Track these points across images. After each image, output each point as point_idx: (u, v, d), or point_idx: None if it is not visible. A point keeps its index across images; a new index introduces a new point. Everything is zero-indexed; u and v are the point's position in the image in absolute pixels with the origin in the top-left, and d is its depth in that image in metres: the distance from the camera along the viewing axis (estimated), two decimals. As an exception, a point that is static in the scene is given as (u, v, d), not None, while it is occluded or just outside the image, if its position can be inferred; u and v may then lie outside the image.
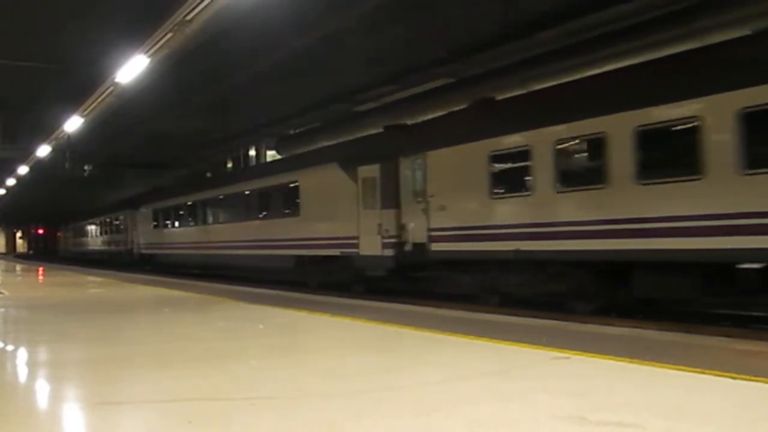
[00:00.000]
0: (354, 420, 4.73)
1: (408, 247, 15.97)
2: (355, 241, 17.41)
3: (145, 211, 36.30)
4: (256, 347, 8.42)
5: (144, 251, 36.50)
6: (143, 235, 36.61)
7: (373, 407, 5.06)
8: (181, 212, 31.60)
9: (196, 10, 13.34)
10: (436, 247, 15.07)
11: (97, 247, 48.79)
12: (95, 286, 22.28)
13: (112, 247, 43.29)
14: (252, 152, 35.39)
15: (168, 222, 33.57)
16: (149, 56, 16.21)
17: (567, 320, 10.78)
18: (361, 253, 17.17)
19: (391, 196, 16.43)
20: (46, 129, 27.76)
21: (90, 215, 51.90)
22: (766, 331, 9.98)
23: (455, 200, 14.67)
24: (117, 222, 42.43)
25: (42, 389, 6.44)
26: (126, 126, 27.10)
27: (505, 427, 4.49)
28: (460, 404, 5.08)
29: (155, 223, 34.88)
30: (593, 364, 6.48)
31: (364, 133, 22.11)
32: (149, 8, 14.05)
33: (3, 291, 19.29)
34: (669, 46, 13.15)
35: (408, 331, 9.14)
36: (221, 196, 26.76)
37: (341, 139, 23.55)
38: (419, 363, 6.96)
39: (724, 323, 10.71)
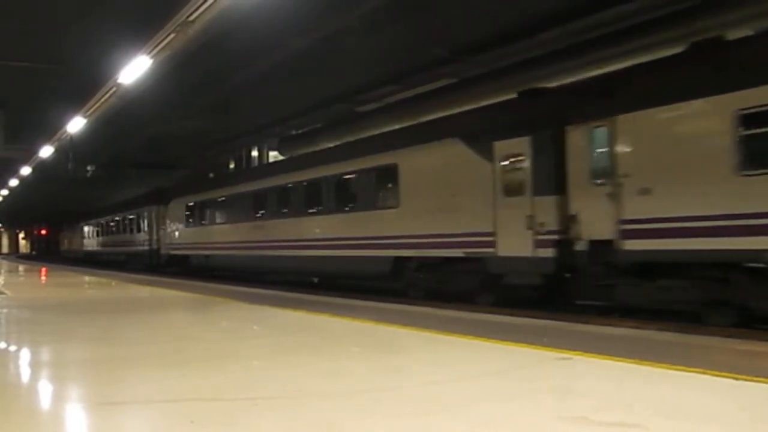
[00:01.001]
0: (354, 420, 4.73)
1: (581, 246, 12.04)
2: (489, 239, 13.57)
3: (177, 205, 31.26)
4: (257, 347, 8.42)
5: (174, 252, 31.51)
6: (174, 233, 31.55)
7: (374, 407, 5.06)
8: (230, 206, 26.22)
9: (199, 11, 13.35)
10: (632, 245, 11.17)
11: (113, 248, 44.41)
12: (97, 286, 22.30)
13: (132, 248, 38.61)
14: (254, 153, 35.42)
15: (210, 218, 28.25)
16: (152, 57, 16.23)
17: (569, 320, 10.77)
18: (500, 253, 13.34)
19: (548, 179, 12.64)
20: (48, 129, 27.80)
21: (102, 213, 48.26)
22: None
23: (671, 180, 10.66)
24: (138, 219, 37.78)
25: (44, 389, 6.45)
26: (128, 126, 27.15)
27: (506, 428, 4.49)
28: (461, 405, 5.08)
29: (191, 220, 29.83)
30: (595, 365, 6.48)
31: (367, 133, 22.05)
32: (152, 9, 14.07)
33: (5, 291, 19.31)
34: (672, 46, 13.16)
35: (408, 331, 9.14)
36: (288, 185, 21.87)
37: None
38: (419, 363, 6.96)
39: (724, 323, 10.67)
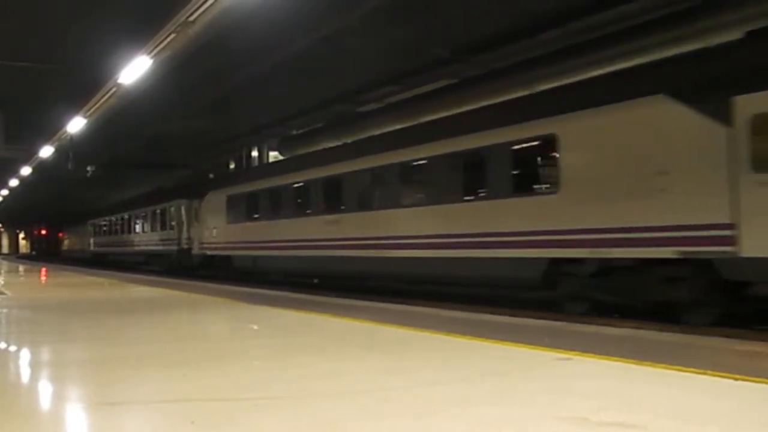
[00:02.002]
0: (356, 420, 4.73)
1: None
2: (725, 233, 9.95)
3: (216, 198, 26.62)
4: (258, 348, 8.42)
5: (212, 252, 26.99)
6: (211, 230, 26.80)
7: (375, 408, 5.06)
8: (291, 197, 21.52)
9: (199, 11, 13.38)
10: None
11: (129, 248, 39.93)
12: (97, 286, 22.30)
13: (154, 247, 34.61)
14: (254, 153, 35.42)
15: (261, 212, 23.22)
16: (152, 57, 16.25)
17: (568, 321, 10.77)
18: (744, 253, 9.68)
19: None
20: (48, 129, 27.85)
21: (116, 209, 44.18)
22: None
23: None
24: (163, 215, 33.48)
25: (44, 389, 6.45)
26: (128, 127, 27.18)
27: (506, 429, 4.49)
28: (462, 405, 5.07)
29: (235, 214, 25.12)
30: (595, 365, 6.48)
31: (369, 133, 21.92)
32: (152, 9, 14.08)
33: (6, 292, 19.32)
34: (672, 47, 13.18)
35: (409, 331, 9.14)
36: (380, 167, 17.14)
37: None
38: (421, 364, 6.96)
39: (725, 324, 10.68)
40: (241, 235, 24.61)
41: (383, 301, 14.56)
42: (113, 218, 44.86)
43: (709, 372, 5.83)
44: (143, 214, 37.49)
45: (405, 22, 16.12)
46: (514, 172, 13.54)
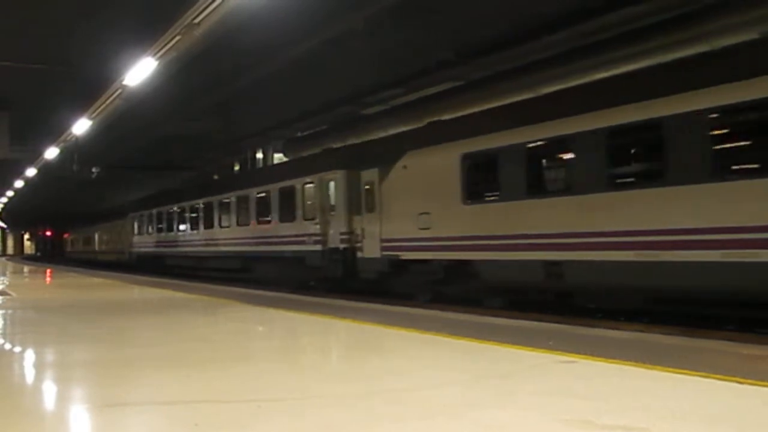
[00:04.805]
0: (359, 423, 4.73)
1: None
2: None
3: (428, 162, 15.81)
4: (261, 349, 8.44)
5: (411, 255, 16.25)
6: (414, 218, 15.92)
7: (378, 410, 5.07)
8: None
9: (204, 13, 13.40)
10: None
11: (220, 248, 27.43)
12: (101, 287, 22.34)
13: (278, 247, 22.40)
14: (259, 155, 35.44)
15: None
16: (157, 59, 16.29)
17: (573, 324, 10.76)
18: None
19: None
20: (54, 131, 27.92)
21: (189, 193, 31.72)
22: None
23: None
24: (292, 197, 21.76)
25: (48, 391, 6.47)
26: (133, 128, 27.24)
27: (510, 431, 4.49)
28: (465, 407, 5.08)
29: (483, 187, 14.68)
30: (599, 368, 6.47)
31: (373, 136, 21.73)
32: (157, 11, 14.12)
33: (11, 293, 19.37)
34: (678, 49, 13.16)
35: (412, 333, 9.14)
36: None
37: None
38: (423, 366, 6.96)
39: (729, 327, 10.66)
40: (512, 222, 13.56)
41: (387, 304, 14.55)
42: (178, 207, 32.58)
43: (712, 375, 5.83)
44: (242, 198, 25.47)
45: (410, 24, 16.12)
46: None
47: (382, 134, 21.03)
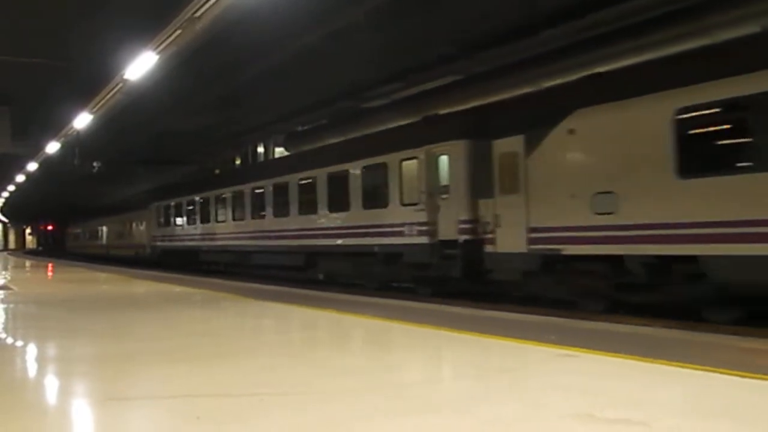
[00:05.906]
0: (362, 417, 4.74)
1: None
2: None
3: (618, 118, 11.55)
4: (264, 344, 8.44)
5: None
6: (595, 200, 11.80)
7: (381, 404, 5.07)
8: None
9: (205, 7, 13.41)
10: None
11: (274, 241, 23.00)
12: (103, 282, 22.37)
13: (363, 240, 18.07)
14: (260, 149, 35.41)
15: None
16: (158, 53, 16.30)
17: (575, 318, 10.76)
18: None
19: None
20: (55, 126, 27.93)
21: (228, 179, 28.68)
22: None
23: None
24: (378, 176, 17.75)
25: (51, 385, 6.48)
26: (134, 122, 27.24)
27: (513, 425, 4.50)
28: (468, 402, 5.09)
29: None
30: (601, 362, 6.47)
31: (373, 129, 21.63)
32: (158, 5, 14.12)
33: (13, 287, 19.40)
34: (680, 43, 13.11)
35: (415, 328, 9.14)
36: None
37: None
38: (426, 360, 6.97)
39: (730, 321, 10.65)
40: None
41: (389, 298, 14.55)
42: (218, 194, 28.10)
43: (713, 369, 5.83)
44: (307, 180, 21.20)
45: (411, 17, 16.09)
46: None
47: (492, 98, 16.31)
